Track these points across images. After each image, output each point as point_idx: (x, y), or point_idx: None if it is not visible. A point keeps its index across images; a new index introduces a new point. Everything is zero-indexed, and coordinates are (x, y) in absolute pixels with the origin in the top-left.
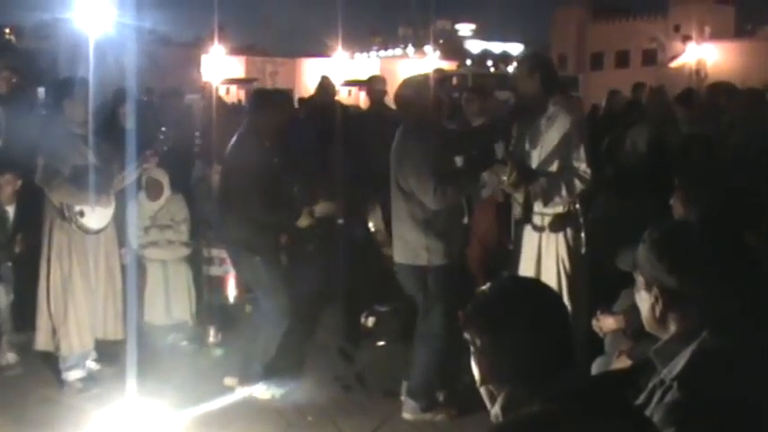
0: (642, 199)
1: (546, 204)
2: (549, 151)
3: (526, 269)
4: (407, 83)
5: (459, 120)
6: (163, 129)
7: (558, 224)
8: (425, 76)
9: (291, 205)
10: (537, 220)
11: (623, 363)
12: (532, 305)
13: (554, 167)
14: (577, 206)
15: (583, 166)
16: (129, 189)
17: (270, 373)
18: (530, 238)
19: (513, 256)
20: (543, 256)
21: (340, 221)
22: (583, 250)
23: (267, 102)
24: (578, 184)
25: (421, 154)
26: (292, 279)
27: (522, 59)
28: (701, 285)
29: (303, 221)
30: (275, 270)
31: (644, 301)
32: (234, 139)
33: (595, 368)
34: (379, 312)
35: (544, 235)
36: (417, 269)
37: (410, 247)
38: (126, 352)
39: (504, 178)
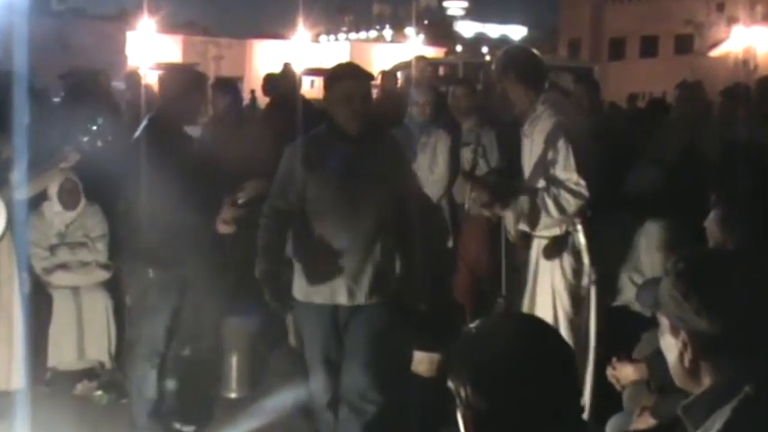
0: (666, 220)
1: (533, 228)
2: (536, 161)
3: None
4: (387, 73)
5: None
6: (99, 120)
7: (552, 250)
8: (407, 66)
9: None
10: (534, 245)
11: (646, 422)
12: (529, 349)
13: (542, 180)
14: (579, 227)
15: (574, 177)
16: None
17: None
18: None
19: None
20: (537, 289)
21: None
22: (584, 282)
23: (174, 80)
24: (571, 200)
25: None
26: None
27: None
28: (739, 329)
29: (226, 213)
30: (168, 294)
31: (670, 347)
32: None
33: (611, 428)
34: None
35: (538, 263)
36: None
37: None
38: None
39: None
